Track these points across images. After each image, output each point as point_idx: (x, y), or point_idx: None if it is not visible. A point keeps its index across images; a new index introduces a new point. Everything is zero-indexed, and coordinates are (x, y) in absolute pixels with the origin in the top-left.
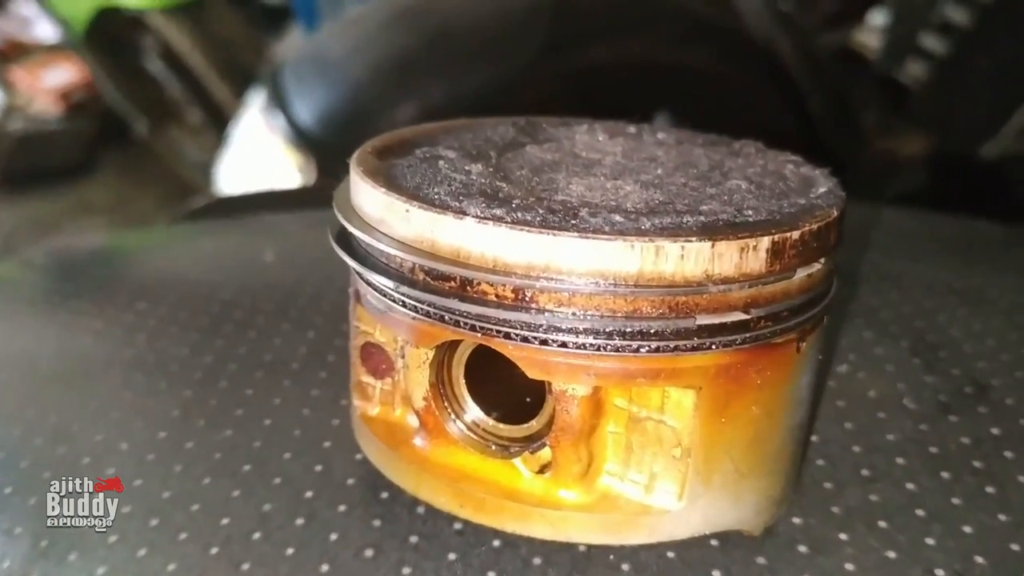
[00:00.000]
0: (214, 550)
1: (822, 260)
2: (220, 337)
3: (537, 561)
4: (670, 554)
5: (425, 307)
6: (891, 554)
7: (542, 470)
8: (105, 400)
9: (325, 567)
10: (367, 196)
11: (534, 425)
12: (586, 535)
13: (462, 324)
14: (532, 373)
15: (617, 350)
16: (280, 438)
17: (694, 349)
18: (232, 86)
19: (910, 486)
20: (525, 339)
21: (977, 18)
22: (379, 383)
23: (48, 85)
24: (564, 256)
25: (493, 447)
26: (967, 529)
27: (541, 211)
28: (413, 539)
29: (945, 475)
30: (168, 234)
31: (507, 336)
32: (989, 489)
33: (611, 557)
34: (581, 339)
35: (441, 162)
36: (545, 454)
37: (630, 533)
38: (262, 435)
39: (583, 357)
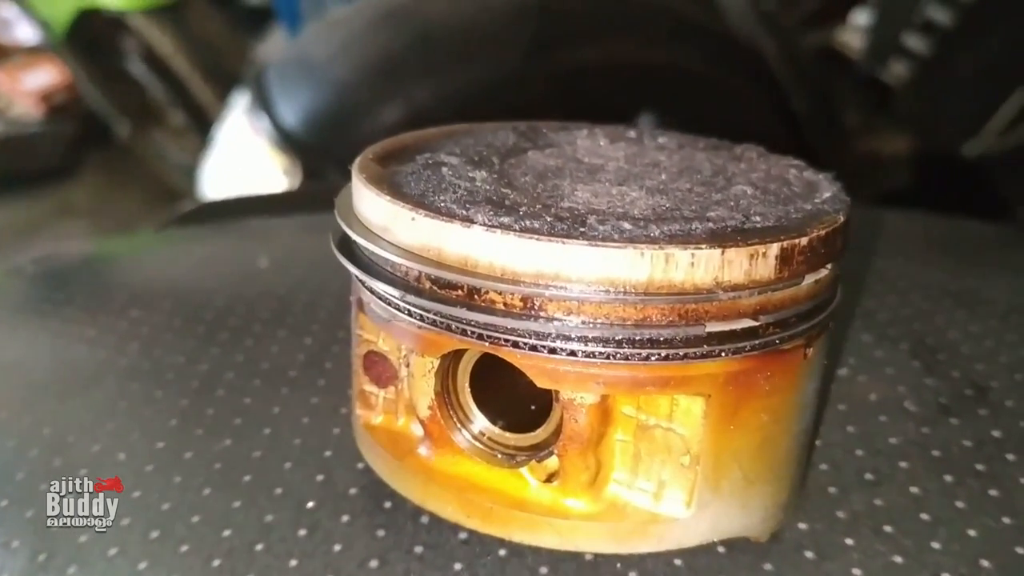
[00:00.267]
0: (216, 562)
1: (829, 266)
2: (216, 345)
3: (544, 570)
4: (677, 562)
5: (431, 316)
6: (897, 559)
7: (549, 479)
8: (101, 410)
9: None
10: (371, 204)
11: (540, 434)
12: (594, 544)
13: (469, 333)
14: (540, 382)
15: (626, 358)
16: (280, 447)
17: (703, 356)
18: (215, 88)
19: (914, 490)
20: (534, 348)
21: (959, 18)
22: (382, 392)
23: (28, 87)
24: (574, 264)
25: (499, 456)
26: (972, 533)
27: (549, 218)
28: (418, 549)
29: (948, 478)
30: (158, 240)
31: (515, 345)
32: (992, 492)
33: (618, 565)
34: (590, 347)
35: (444, 169)
36: (552, 463)
37: (638, 541)
38: (262, 445)
39: (592, 366)
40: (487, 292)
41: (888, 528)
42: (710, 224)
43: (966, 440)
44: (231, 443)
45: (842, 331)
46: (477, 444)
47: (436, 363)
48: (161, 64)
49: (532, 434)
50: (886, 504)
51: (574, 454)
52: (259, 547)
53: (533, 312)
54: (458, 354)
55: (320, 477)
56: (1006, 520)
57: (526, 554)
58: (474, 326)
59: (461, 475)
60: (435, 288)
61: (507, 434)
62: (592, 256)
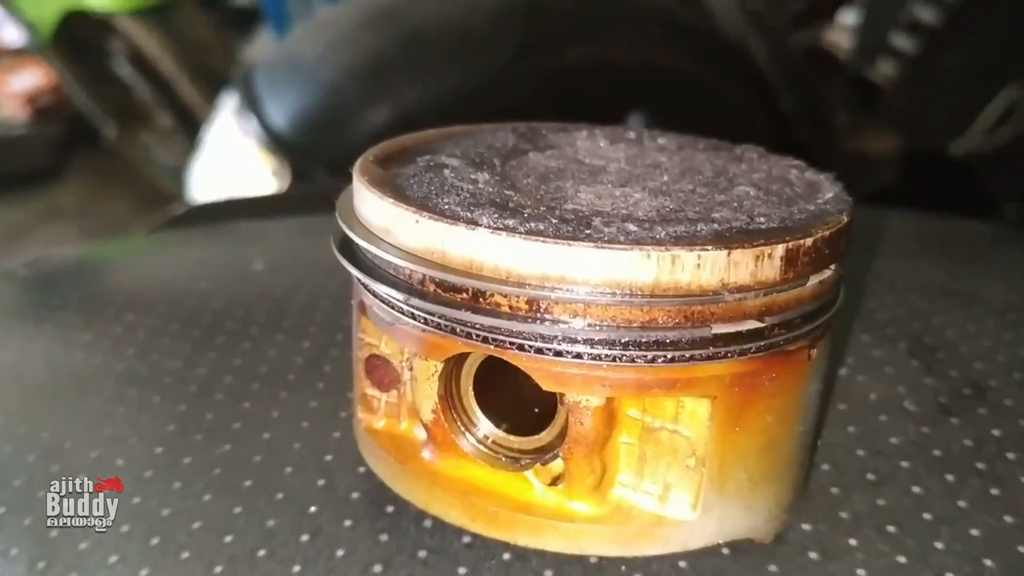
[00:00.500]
0: (218, 568)
1: (833, 267)
2: (213, 349)
3: (548, 574)
4: (682, 564)
5: (436, 319)
6: (901, 559)
7: (554, 482)
8: (98, 415)
9: None
10: (373, 206)
11: (545, 437)
12: (600, 547)
13: (474, 336)
14: (546, 385)
15: (632, 361)
16: (280, 452)
17: (709, 358)
18: (202, 89)
19: (916, 489)
20: (539, 350)
21: (946, 17)
22: (384, 395)
23: (15, 89)
24: (579, 266)
25: (503, 459)
26: (975, 532)
27: (554, 221)
28: (422, 554)
29: (950, 478)
30: (151, 243)
31: (520, 348)
32: (994, 491)
33: (623, 568)
34: (596, 350)
35: (446, 171)
36: (557, 466)
37: (644, 544)
38: (262, 449)
39: (598, 368)
40: (492, 295)
41: (891, 528)
42: (715, 225)
43: (966, 439)
44: (230, 448)
45: (841, 331)
46: (481, 448)
47: (440, 366)
48: (148, 65)
49: (536, 437)
50: (888, 504)
51: (579, 457)
52: (261, 553)
53: (539, 315)
54: (461, 357)
55: (321, 481)
56: (1008, 519)
57: (531, 558)
58: (479, 329)
59: (465, 479)
60: (439, 291)
61: (511, 437)
62: (598, 258)
